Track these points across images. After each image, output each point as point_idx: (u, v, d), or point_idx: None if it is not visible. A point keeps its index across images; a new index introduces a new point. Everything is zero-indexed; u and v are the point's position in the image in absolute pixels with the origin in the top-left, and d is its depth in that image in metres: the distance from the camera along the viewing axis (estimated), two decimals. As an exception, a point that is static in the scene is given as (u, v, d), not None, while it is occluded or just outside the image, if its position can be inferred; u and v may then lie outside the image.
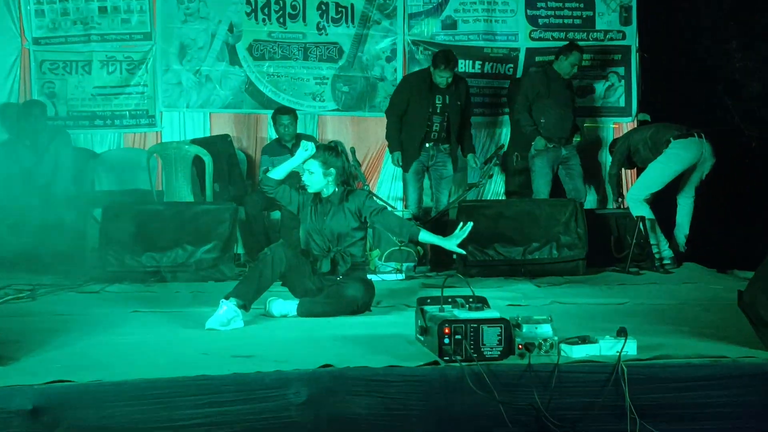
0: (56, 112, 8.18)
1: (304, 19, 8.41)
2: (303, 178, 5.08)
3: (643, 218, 6.98)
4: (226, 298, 4.57)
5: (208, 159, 7.56)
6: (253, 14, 8.36)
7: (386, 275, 6.76)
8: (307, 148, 5.01)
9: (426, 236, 5.11)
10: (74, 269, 6.73)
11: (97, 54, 8.22)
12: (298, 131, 7.95)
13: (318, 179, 5.05)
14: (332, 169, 5.06)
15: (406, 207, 7.56)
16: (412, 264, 7.00)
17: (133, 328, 4.48)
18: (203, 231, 6.61)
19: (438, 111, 7.50)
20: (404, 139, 7.56)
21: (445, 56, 7.40)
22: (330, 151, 5.11)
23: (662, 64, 8.43)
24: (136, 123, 8.30)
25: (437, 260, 7.28)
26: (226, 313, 4.48)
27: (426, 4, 8.52)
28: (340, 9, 8.40)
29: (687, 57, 8.02)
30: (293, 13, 8.40)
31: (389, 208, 5.48)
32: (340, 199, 5.11)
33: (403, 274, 6.81)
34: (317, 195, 5.12)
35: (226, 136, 8.17)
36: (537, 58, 8.51)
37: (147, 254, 6.51)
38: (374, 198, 5.19)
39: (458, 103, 7.56)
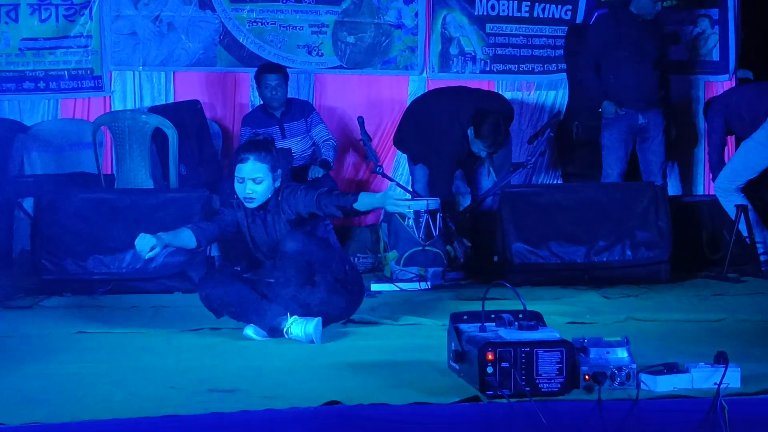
0: (-28, 73, 8.22)
1: (296, -53, 8.44)
2: (245, 191, 5.04)
3: (745, 207, 6.97)
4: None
5: (171, 133, 7.57)
6: (229, -59, 8.38)
7: (406, 283, 6.76)
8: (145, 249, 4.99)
9: (365, 198, 5.05)
10: (-2, 278, 6.77)
11: (25, -5, 8.26)
12: (290, 95, 7.96)
13: (267, 189, 5.06)
14: (279, 170, 5.10)
15: (415, 194, 7.61)
16: (440, 269, 6.99)
17: (79, 355, 4.48)
18: (167, 227, 6.54)
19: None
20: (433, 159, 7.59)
21: (495, 128, 7.34)
22: (269, 146, 5.11)
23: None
24: (77, 86, 8.33)
25: (473, 264, 7.29)
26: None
27: (457, -71, 8.54)
28: (343, -66, 8.43)
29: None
30: (283, -61, 8.42)
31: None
32: (275, 203, 5.12)
33: (429, 283, 6.81)
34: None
35: (196, 102, 8.19)
36: (604, -2, 8.52)
37: (94, 257, 6.53)
38: (298, 189, 5.16)
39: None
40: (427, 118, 7.61)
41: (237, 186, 5.07)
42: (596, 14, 8.40)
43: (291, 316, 4.81)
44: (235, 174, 5.06)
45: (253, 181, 5.02)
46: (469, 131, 7.35)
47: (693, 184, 8.73)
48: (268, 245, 5.17)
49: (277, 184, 5.07)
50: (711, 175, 7.84)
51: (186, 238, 5.19)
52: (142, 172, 7.53)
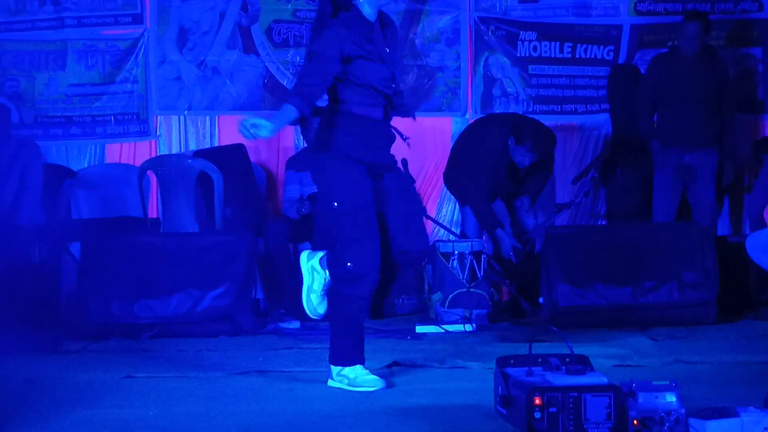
0: (21, 118, 8.32)
1: (339, -8, 8.50)
2: None
3: (792, 247, 6.92)
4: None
5: (217, 176, 7.63)
6: (273, -14, 8.47)
7: (451, 325, 6.77)
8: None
9: None
10: (46, 321, 6.82)
11: (73, 43, 8.36)
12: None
13: None
14: None
15: (463, 235, 7.59)
16: (485, 311, 6.99)
17: (127, 399, 4.52)
18: (213, 270, 6.67)
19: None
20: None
21: (535, 132, 7.35)
22: None
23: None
24: (123, 131, 8.41)
25: (518, 306, 7.27)
26: None
27: (499, -30, 8.58)
28: (386, -22, 8.47)
29: None
30: (325, -16, 8.49)
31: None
32: (385, 18, 4.71)
33: (474, 325, 6.81)
34: (360, 17, 4.60)
35: (240, 146, 8.23)
36: (647, 38, 8.49)
37: (140, 302, 6.57)
38: None
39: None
40: (469, 146, 7.61)
41: None
42: (639, 54, 8.42)
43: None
44: None
45: None
46: (509, 141, 7.31)
47: (742, 222, 8.64)
48: (382, 75, 4.62)
49: None
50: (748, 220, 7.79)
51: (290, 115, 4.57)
52: (187, 216, 7.59)
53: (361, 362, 4.72)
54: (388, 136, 4.74)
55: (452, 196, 8.29)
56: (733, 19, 8.58)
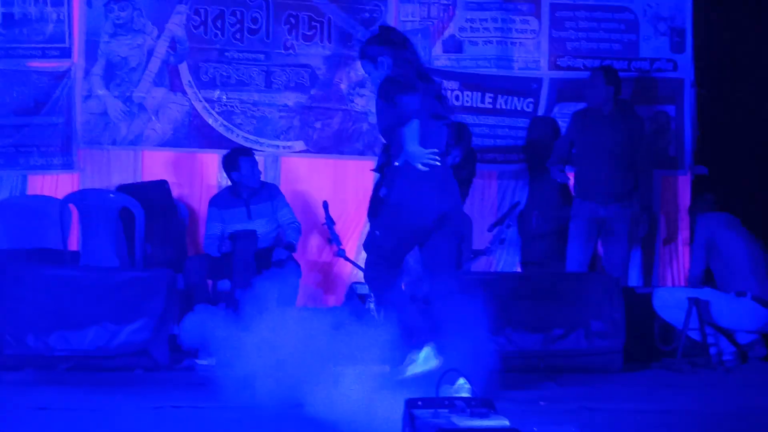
0: (-58, 148, 8.30)
1: (267, 35, 8.61)
2: None
3: (697, 301, 7.12)
4: None
5: (138, 212, 7.67)
6: (202, 27, 8.55)
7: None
8: None
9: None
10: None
11: (-2, 73, 8.37)
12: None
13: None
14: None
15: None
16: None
17: None
18: (130, 305, 6.69)
19: None
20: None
21: (458, 130, 7.58)
22: None
23: (725, 103, 8.61)
24: (46, 163, 8.40)
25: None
26: None
27: (424, 20, 8.74)
28: (314, 23, 8.60)
29: (757, 94, 8.23)
30: (254, 27, 8.60)
31: None
32: None
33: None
34: None
35: (164, 182, 8.29)
36: (565, 92, 8.72)
37: (56, 333, 6.56)
38: None
39: None
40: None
41: None
42: (557, 107, 8.65)
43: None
44: None
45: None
46: None
47: (651, 274, 8.85)
48: None
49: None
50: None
51: None
52: (107, 250, 7.60)
53: None
54: None
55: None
56: (648, 77, 8.83)
